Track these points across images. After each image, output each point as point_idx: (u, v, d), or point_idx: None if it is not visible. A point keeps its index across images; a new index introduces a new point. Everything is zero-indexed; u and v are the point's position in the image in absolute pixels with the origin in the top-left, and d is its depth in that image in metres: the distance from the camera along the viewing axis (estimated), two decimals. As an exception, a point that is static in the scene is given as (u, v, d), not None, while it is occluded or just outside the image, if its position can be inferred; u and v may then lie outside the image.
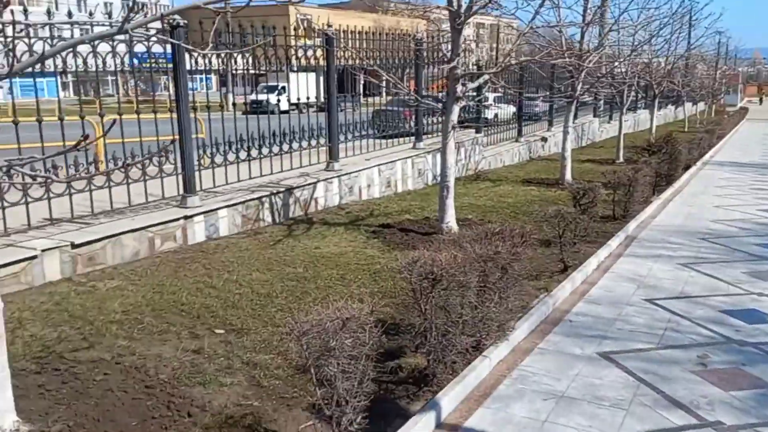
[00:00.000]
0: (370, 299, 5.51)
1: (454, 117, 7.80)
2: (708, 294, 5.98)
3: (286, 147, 9.32)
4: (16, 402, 3.56)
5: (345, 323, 2.95)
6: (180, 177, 7.58)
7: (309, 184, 9.23)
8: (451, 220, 7.98)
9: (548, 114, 18.65)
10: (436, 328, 3.92)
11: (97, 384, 4.03)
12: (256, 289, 5.88)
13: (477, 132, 14.20)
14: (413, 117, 13.39)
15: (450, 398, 3.91)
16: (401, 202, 10.30)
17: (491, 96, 17.28)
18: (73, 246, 6.18)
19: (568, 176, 12.05)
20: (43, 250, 5.92)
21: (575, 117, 20.24)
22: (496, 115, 16.60)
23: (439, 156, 12.57)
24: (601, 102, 22.61)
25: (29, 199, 6.27)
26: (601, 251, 7.12)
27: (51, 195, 6.44)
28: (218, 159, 8.18)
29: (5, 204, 6.03)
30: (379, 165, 10.75)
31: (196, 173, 7.66)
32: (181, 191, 7.59)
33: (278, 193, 8.68)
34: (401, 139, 12.21)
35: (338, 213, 9.32)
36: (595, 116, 22.27)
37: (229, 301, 5.54)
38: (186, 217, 7.34)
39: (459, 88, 7.65)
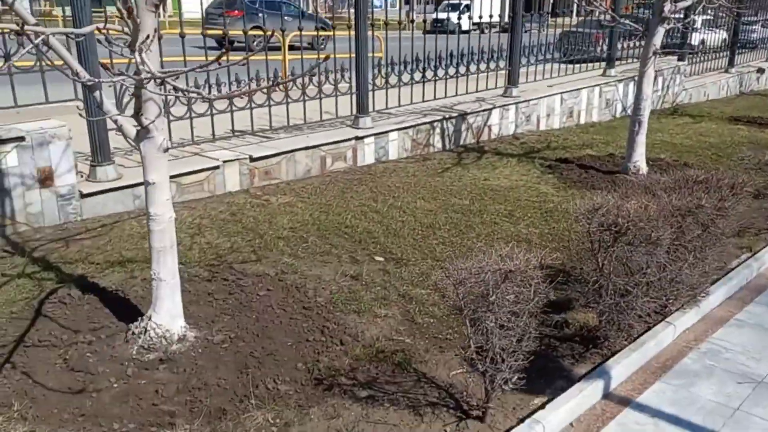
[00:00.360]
0: (540, 244, 5.07)
1: (658, 41, 6.75)
2: None
3: (462, 69, 8.82)
4: (185, 307, 3.72)
5: (508, 276, 2.59)
6: (354, 97, 7.48)
7: (483, 110, 8.71)
8: (640, 159, 7.08)
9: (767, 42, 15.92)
10: (614, 285, 3.41)
11: (260, 299, 4.11)
12: (419, 218, 5.67)
13: (680, 59, 12.49)
14: (605, 40, 12.07)
15: (623, 366, 3.44)
16: (583, 134, 9.42)
17: (699, 19, 15.04)
18: (252, 159, 6.38)
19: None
20: (224, 161, 6.18)
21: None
22: (702, 42, 14.46)
23: (631, 85, 11.27)
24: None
25: (214, 111, 6.53)
26: (827, 210, 5.92)
27: (234, 108, 6.66)
28: (392, 80, 7.94)
29: (193, 114, 6.33)
30: (561, 93, 9.86)
31: (370, 94, 7.50)
32: (354, 111, 7.50)
33: (450, 118, 8.30)
34: (591, 65, 11.07)
35: (512, 143, 8.75)
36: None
37: (391, 228, 5.40)
38: (357, 138, 7.27)
39: (667, 6, 6.56)
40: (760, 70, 14.93)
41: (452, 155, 8.02)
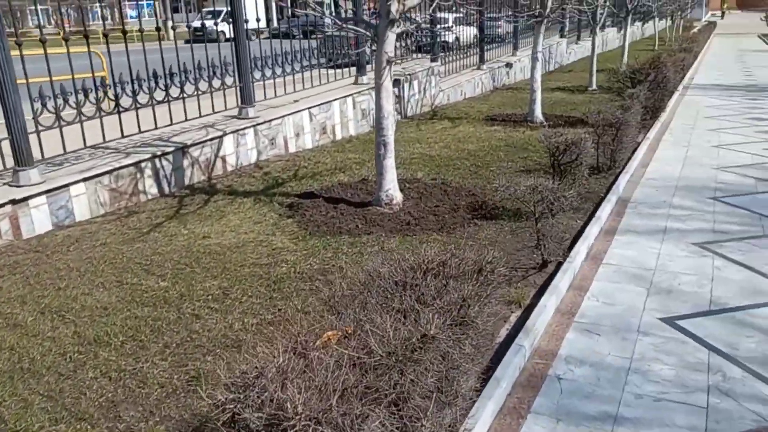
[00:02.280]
0: (254, 342, 3.43)
1: (389, 47, 5.51)
2: (751, 304, 4.04)
3: (190, 89, 6.97)
4: None
5: None
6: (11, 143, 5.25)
7: (212, 139, 6.93)
8: (391, 187, 5.84)
9: (513, 36, 16.22)
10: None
11: None
12: (81, 327, 3.74)
13: (433, 60, 11.84)
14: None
15: None
16: (338, 154, 8.08)
17: (451, 17, 14.76)
18: None
19: (538, 112, 9.89)
20: None
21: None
22: (457, 39, 14.11)
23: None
24: (567, 21, 20.16)
25: None
26: (590, 230, 5.10)
27: None
28: (87, 110, 5.83)
29: None
30: (310, 107, 8.43)
31: (35, 135, 5.32)
32: (12, 163, 5.29)
33: (166, 154, 6.40)
34: (345, 72, 9.82)
35: (253, 174, 7.10)
36: (561, 37, 19.86)
37: (25, 360, 3.41)
38: (15, 202, 5.07)
39: (395, 6, 5.33)
40: (508, 65, 15.06)
41: (171, 203, 6.14)
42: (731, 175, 7.04)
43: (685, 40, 19.85)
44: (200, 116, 7.18)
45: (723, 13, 60.12)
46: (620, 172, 6.89)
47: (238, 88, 7.57)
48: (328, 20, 6.41)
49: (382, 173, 5.82)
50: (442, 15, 14.73)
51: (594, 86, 13.32)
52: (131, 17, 36.03)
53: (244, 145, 7.38)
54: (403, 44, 12.30)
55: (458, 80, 12.81)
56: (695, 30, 32.81)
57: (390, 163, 5.82)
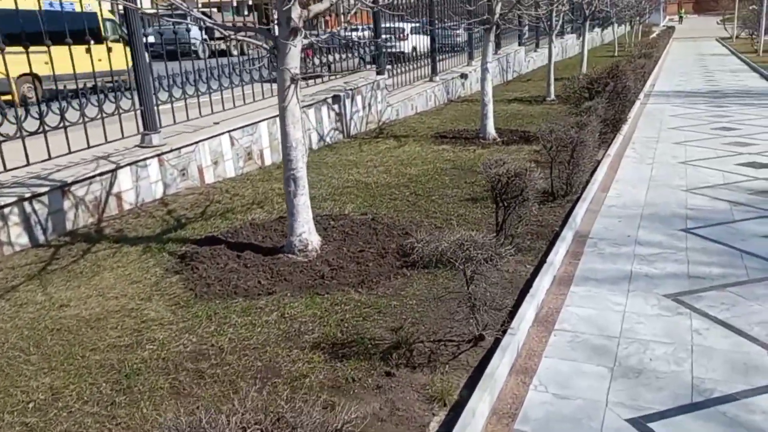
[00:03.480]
0: None
1: (293, 62, 4.48)
2: (747, 389, 3.07)
3: (75, 115, 5.86)
4: None
5: None
6: None
7: (101, 174, 5.80)
8: (305, 229, 4.78)
9: (467, 45, 15.35)
10: None
11: None
12: None
13: (379, 73, 10.85)
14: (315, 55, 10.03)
15: None
16: (262, 183, 7.01)
17: (408, 26, 13.82)
18: None
19: (490, 128, 8.96)
20: None
21: (498, 47, 17.08)
22: (414, 49, 13.14)
23: (325, 108, 9.23)
24: (526, 28, 19.44)
25: None
26: (540, 282, 4.10)
27: None
28: None
29: None
30: (231, 130, 7.35)
31: None
32: None
33: (37, 196, 5.25)
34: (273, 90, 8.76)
35: (153, 214, 5.98)
36: (520, 44, 19.10)
37: None
38: None
39: (296, 12, 4.30)
40: (463, 75, 14.17)
41: (41, 256, 4.99)
42: (702, 198, 6.15)
43: (645, 46, 19.27)
44: (89, 147, 6.04)
45: (681, 17, 60.67)
46: (578, 199, 5.95)
47: (138, 112, 6.45)
48: (193, 29, 5.32)
49: (293, 214, 4.76)
50: (398, 25, 13.82)
51: (552, 96, 12.48)
52: None
53: (145, 179, 6.26)
54: (348, 56, 11.31)
55: (408, 94, 11.84)
56: (654, 35, 32.57)
57: (303, 201, 4.77)
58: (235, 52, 12.36)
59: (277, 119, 8.08)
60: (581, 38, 15.92)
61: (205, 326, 3.76)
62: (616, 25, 30.13)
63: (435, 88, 12.82)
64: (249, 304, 4.03)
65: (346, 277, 4.43)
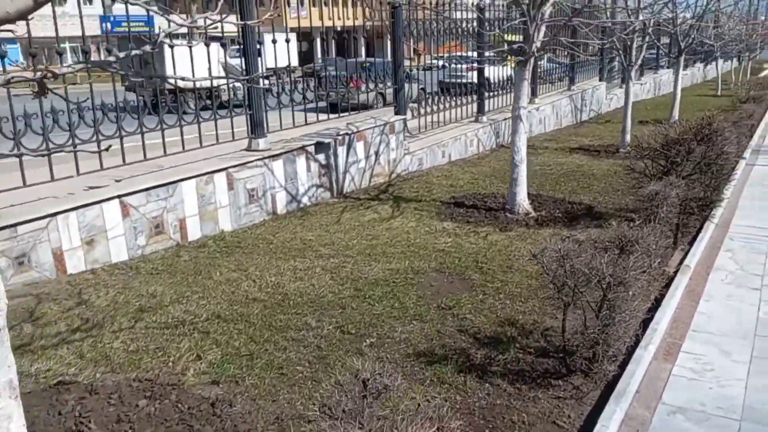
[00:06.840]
0: None
1: None
2: None
3: None
4: None
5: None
6: None
7: None
8: None
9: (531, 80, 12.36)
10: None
11: None
12: None
13: (397, 113, 8.22)
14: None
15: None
16: (141, 285, 4.54)
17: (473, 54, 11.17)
18: None
19: (522, 197, 6.07)
20: None
21: (572, 82, 13.98)
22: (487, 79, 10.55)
23: (302, 160, 6.51)
24: (610, 60, 16.10)
25: None
26: None
27: None
28: None
29: None
30: (123, 195, 4.97)
31: None
32: None
33: None
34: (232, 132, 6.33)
35: None
36: (601, 80, 15.80)
37: None
38: None
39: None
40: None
41: None
42: None
43: (755, 86, 15.40)
44: None
45: (795, 54, 53.66)
46: (612, 383, 2.97)
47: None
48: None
49: None
50: (469, 53, 11.33)
51: (626, 147, 9.32)
52: None
53: (-60, 274, 3.95)
54: (361, 89, 8.75)
55: (440, 138, 9.11)
56: (766, 72, 27.78)
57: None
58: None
59: (215, 176, 5.67)
60: (675, 75, 12.52)
61: None
62: (721, 60, 25.85)
63: (479, 131, 9.99)
64: None
65: None
